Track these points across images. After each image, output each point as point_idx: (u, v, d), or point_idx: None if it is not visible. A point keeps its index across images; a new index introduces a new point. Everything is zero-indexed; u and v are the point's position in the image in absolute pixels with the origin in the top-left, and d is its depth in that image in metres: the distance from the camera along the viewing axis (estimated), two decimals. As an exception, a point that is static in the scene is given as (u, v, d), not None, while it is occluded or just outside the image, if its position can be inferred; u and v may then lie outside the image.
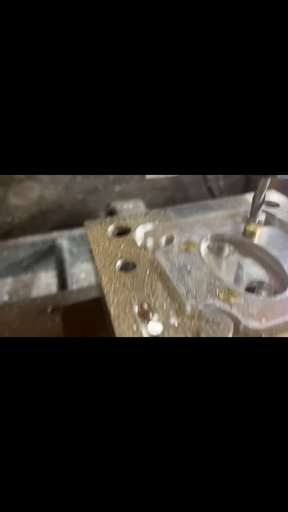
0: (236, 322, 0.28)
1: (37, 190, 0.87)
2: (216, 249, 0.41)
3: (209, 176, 0.98)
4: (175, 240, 0.39)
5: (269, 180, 0.38)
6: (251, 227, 0.40)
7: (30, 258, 0.77)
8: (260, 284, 0.35)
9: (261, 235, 0.41)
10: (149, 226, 0.42)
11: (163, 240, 0.40)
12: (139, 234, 0.41)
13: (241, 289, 0.34)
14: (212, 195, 0.98)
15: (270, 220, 0.45)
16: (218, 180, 0.99)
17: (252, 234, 0.40)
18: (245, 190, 1.07)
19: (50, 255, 0.81)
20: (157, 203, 0.99)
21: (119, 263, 0.35)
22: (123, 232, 0.41)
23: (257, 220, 0.40)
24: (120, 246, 0.38)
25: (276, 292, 0.34)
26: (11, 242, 0.74)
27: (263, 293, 0.35)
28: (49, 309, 0.54)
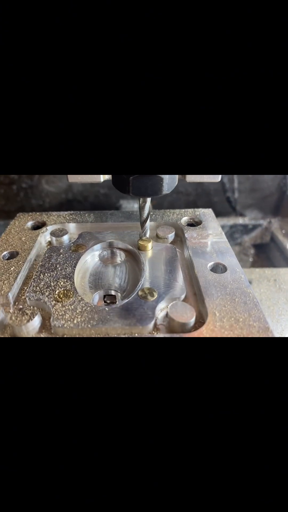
0: (48, 317, 0.32)
1: (66, 180, 0.97)
2: (110, 255, 0.43)
3: (227, 187, 0.96)
4: (73, 241, 0.44)
5: (148, 199, 0.39)
6: (141, 241, 0.42)
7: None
8: (115, 293, 0.38)
9: (156, 249, 0.42)
10: (61, 225, 0.47)
11: (65, 238, 0.44)
12: (49, 230, 0.46)
13: (92, 292, 0.37)
14: (230, 206, 0.96)
15: (182, 237, 0.45)
16: (234, 192, 0.96)
17: (143, 247, 0.42)
18: (277, 207, 1.00)
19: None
20: (178, 206, 1.01)
21: (6, 251, 0.41)
22: (39, 226, 0.47)
23: (146, 234, 0.42)
24: (22, 238, 0.44)
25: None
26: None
27: (113, 302, 0.37)
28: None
